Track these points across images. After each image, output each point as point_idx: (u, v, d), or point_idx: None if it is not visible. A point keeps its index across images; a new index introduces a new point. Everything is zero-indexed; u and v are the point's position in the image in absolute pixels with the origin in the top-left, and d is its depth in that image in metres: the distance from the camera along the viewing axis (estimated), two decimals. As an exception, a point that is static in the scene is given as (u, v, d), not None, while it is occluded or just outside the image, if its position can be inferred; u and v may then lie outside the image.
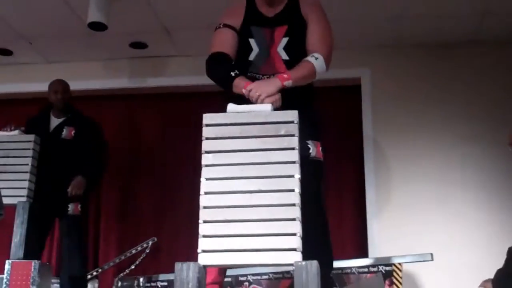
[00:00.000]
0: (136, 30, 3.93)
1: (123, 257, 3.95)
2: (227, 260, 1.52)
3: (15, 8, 3.63)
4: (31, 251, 2.81)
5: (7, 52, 4.25)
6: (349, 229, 3.91)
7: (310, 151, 2.07)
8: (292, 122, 1.62)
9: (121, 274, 3.84)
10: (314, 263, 1.44)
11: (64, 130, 3.36)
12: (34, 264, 2.62)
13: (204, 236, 1.53)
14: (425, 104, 3.92)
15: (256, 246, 1.50)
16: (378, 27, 3.79)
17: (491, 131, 3.71)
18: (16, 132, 3.07)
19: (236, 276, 3.31)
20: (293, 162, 1.58)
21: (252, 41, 2.14)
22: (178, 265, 1.49)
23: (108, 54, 4.24)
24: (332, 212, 3.22)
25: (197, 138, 1.66)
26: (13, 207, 2.83)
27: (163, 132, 4.33)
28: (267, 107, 1.73)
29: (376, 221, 3.76)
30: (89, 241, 3.87)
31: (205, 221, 1.55)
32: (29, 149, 2.98)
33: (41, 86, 3.76)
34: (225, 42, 2.12)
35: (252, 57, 2.14)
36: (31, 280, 2.59)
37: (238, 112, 1.69)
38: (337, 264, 2.84)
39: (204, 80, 2.25)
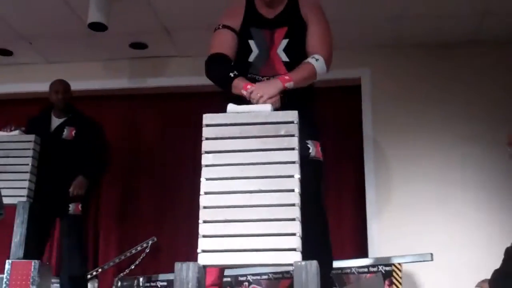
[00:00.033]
0: (136, 31, 3.93)
1: (123, 257, 3.95)
2: (227, 260, 1.52)
3: (15, 9, 3.63)
4: (31, 251, 2.81)
5: (7, 52, 4.25)
6: (349, 229, 3.91)
7: (310, 151, 2.07)
8: (292, 122, 1.62)
9: (121, 274, 3.84)
10: (314, 263, 1.44)
11: (65, 130, 3.36)
12: (34, 264, 2.63)
13: (204, 236, 1.54)
14: (425, 104, 3.92)
15: (255, 246, 1.50)
16: (378, 27, 3.79)
17: (491, 131, 3.71)
18: (17, 132, 3.07)
19: (236, 276, 3.31)
20: (293, 162, 1.58)
21: (251, 43, 2.14)
22: (178, 265, 1.49)
23: (108, 54, 4.25)
24: (332, 212, 3.22)
25: (197, 138, 1.66)
26: (13, 207, 2.84)
27: (163, 132, 4.33)
28: (267, 107, 1.74)
29: (376, 221, 3.76)
30: (89, 241, 3.87)
31: (205, 221, 1.55)
32: (29, 149, 2.98)
33: (41, 86, 3.77)
34: (225, 43, 2.12)
35: (251, 58, 2.14)
36: (31, 280, 2.60)
37: (238, 112, 1.69)
38: (336, 264, 2.85)
39: (204, 80, 2.26)
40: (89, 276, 3.66)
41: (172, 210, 4.13)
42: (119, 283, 3.66)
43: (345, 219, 3.93)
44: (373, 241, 3.71)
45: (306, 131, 1.84)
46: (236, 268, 3.10)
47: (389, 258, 3.20)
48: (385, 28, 3.80)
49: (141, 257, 3.92)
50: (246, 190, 1.56)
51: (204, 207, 1.57)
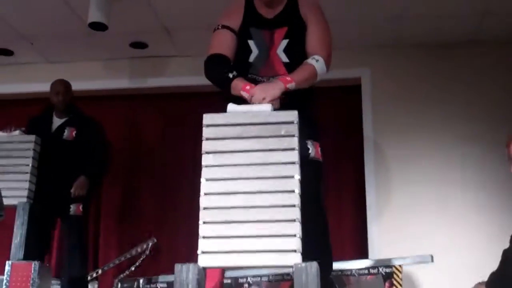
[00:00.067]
0: (136, 30, 3.93)
1: (123, 258, 3.94)
2: (227, 262, 1.52)
3: (16, 9, 3.63)
4: (32, 253, 2.80)
5: (8, 52, 4.25)
6: (349, 230, 3.91)
7: (310, 151, 2.07)
8: (292, 122, 1.62)
9: (121, 276, 3.83)
10: (314, 265, 1.43)
11: (66, 131, 3.35)
12: (34, 265, 2.62)
13: (204, 237, 1.53)
14: (425, 104, 3.92)
15: (256, 248, 1.49)
16: (378, 27, 3.79)
17: (491, 131, 3.70)
18: (17, 132, 3.07)
19: (236, 278, 3.30)
20: (293, 163, 1.57)
21: (251, 43, 2.14)
22: (177, 267, 1.49)
23: (109, 54, 4.25)
24: (332, 213, 3.22)
25: (197, 138, 1.65)
26: (13, 208, 2.83)
27: (163, 132, 4.33)
28: (267, 107, 1.73)
29: (376, 222, 3.75)
30: (89, 242, 3.86)
31: (205, 222, 1.55)
32: (29, 149, 2.97)
33: (42, 86, 3.76)
34: (224, 44, 2.11)
35: (251, 59, 2.14)
36: (31, 282, 2.59)
37: (238, 112, 1.68)
38: (336, 265, 2.83)
39: (204, 80, 2.25)
40: (89, 278, 3.66)
41: (172, 211, 4.13)
42: (119, 285, 3.66)
43: (345, 220, 3.93)
44: (373, 243, 3.70)
45: (306, 132, 1.84)
46: (236, 269, 3.09)
47: (389, 259, 3.19)
48: (385, 28, 3.80)
49: (141, 259, 3.92)
50: (246, 191, 1.56)
51: (204, 208, 1.56)
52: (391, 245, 3.59)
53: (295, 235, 1.49)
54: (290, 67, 2.08)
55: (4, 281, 2.61)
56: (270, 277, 3.28)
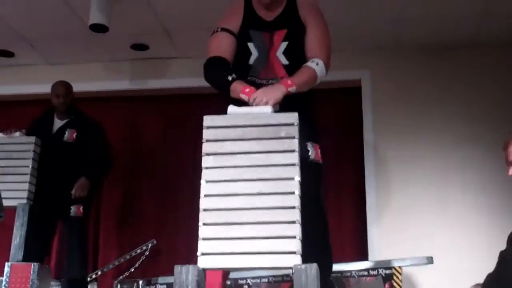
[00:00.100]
0: (137, 32, 3.94)
1: (122, 260, 3.94)
2: (227, 263, 1.52)
3: (16, 10, 3.63)
4: (31, 254, 2.80)
5: (8, 54, 4.26)
6: (348, 232, 3.90)
7: (310, 153, 2.07)
8: (292, 124, 1.62)
9: (121, 277, 3.83)
10: (314, 266, 1.43)
11: (66, 132, 3.35)
12: (33, 266, 2.62)
13: (204, 239, 1.53)
14: (425, 106, 3.92)
15: (255, 249, 1.50)
16: (378, 29, 3.79)
17: (492, 132, 3.70)
18: (17, 134, 3.07)
19: (236, 280, 3.30)
20: (293, 165, 1.58)
21: (251, 45, 2.14)
22: (177, 268, 1.49)
23: (110, 55, 4.25)
24: (332, 215, 3.21)
25: (198, 140, 1.66)
26: (13, 209, 2.83)
27: (164, 134, 4.33)
28: (267, 109, 1.73)
29: (376, 224, 3.75)
30: (89, 243, 3.86)
31: (205, 224, 1.55)
32: (29, 151, 2.97)
33: (43, 88, 3.76)
34: (223, 46, 2.11)
35: (251, 61, 2.14)
36: (30, 283, 2.59)
37: (238, 114, 1.69)
38: (336, 267, 2.84)
39: (204, 82, 2.25)
40: (88, 279, 3.66)
41: (172, 212, 4.13)
42: (118, 286, 3.66)
43: (345, 221, 3.93)
44: (373, 244, 3.70)
45: (306, 134, 1.84)
46: (236, 271, 3.09)
47: (389, 261, 3.19)
48: (385, 30, 3.80)
49: (141, 260, 3.92)
50: (246, 192, 1.56)
51: (204, 210, 1.57)
52: (391, 247, 3.59)
53: (295, 237, 1.49)
54: (290, 69, 2.09)
55: (4, 282, 2.61)
56: (270, 279, 3.27)
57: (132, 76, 4.32)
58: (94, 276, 3.85)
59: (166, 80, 4.27)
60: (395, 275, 3.08)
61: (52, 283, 3.19)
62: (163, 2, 3.54)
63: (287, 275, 3.14)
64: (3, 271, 2.67)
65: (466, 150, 3.78)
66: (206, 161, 1.62)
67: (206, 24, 2.97)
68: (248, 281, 3.29)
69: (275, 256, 1.49)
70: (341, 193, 3.99)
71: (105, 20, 3.36)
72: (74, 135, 3.35)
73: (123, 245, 4.10)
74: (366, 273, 3.16)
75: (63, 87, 3.43)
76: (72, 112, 3.44)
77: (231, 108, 1.72)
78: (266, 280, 3.29)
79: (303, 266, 1.44)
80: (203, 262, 1.51)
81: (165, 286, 3.48)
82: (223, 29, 2.15)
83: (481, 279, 2.39)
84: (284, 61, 2.12)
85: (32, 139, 3.02)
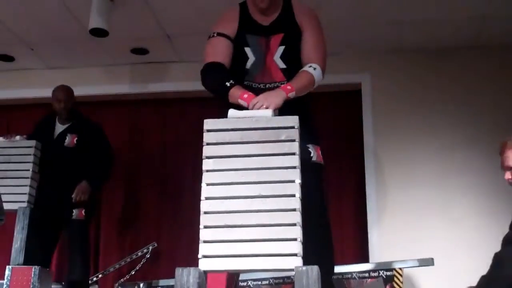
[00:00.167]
0: (137, 36, 3.95)
1: (123, 263, 3.94)
2: (228, 266, 1.52)
3: (17, 14, 3.64)
4: (32, 257, 2.80)
5: (8, 58, 4.27)
6: (349, 234, 3.90)
7: (312, 155, 2.08)
8: (292, 127, 1.63)
9: (121, 280, 3.83)
10: (315, 268, 1.44)
11: (67, 137, 3.35)
12: (34, 269, 2.62)
13: (205, 242, 1.54)
14: (426, 109, 3.93)
15: (256, 252, 1.50)
16: (378, 32, 3.80)
17: (492, 135, 3.70)
18: (18, 137, 3.08)
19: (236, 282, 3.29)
20: (294, 167, 1.58)
21: (247, 50, 2.14)
22: (178, 271, 1.49)
23: (110, 60, 4.26)
24: (333, 217, 3.19)
25: (198, 143, 1.66)
26: (13, 212, 2.83)
27: (164, 137, 4.34)
28: (267, 112, 1.74)
29: (377, 226, 3.75)
30: (90, 246, 3.86)
31: (205, 227, 1.55)
32: (30, 154, 2.98)
33: (43, 92, 3.77)
34: (219, 51, 2.11)
35: (248, 65, 2.14)
36: (31, 286, 2.59)
37: (239, 118, 1.69)
38: (337, 269, 2.84)
39: (204, 85, 2.26)
40: (89, 282, 3.66)
41: (173, 215, 4.13)
42: (119, 289, 3.66)
43: (345, 223, 3.93)
44: (374, 246, 3.70)
45: (307, 136, 1.85)
46: (236, 273, 3.08)
47: (390, 263, 3.19)
48: (385, 33, 3.81)
49: (142, 263, 3.92)
50: (247, 195, 1.57)
51: (205, 213, 1.57)
52: (391, 248, 3.59)
53: (296, 239, 1.49)
54: (288, 73, 2.10)
55: (4, 286, 2.62)
56: (271, 281, 3.27)
57: (132, 80, 4.32)
58: (95, 278, 3.85)
59: (166, 84, 4.28)
60: (396, 276, 3.08)
61: (53, 286, 3.19)
62: (163, 6, 3.55)
63: (288, 277, 3.14)
64: (4, 274, 2.67)
65: (467, 153, 3.78)
66: (206, 164, 1.62)
67: (206, 28, 2.97)
68: (249, 283, 3.29)
69: (276, 258, 1.49)
70: (342, 195, 3.99)
71: (105, 24, 3.37)
72: (75, 140, 3.35)
73: (124, 247, 4.10)
74: (367, 274, 3.16)
75: (63, 92, 3.43)
76: (73, 117, 3.44)
77: (232, 112, 1.73)
78: (267, 282, 3.29)
79: (304, 268, 1.44)
80: (204, 264, 1.52)
81: (166, 289, 3.48)
82: (219, 34, 2.15)
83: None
84: (282, 65, 2.13)
85: (33, 143, 3.03)
